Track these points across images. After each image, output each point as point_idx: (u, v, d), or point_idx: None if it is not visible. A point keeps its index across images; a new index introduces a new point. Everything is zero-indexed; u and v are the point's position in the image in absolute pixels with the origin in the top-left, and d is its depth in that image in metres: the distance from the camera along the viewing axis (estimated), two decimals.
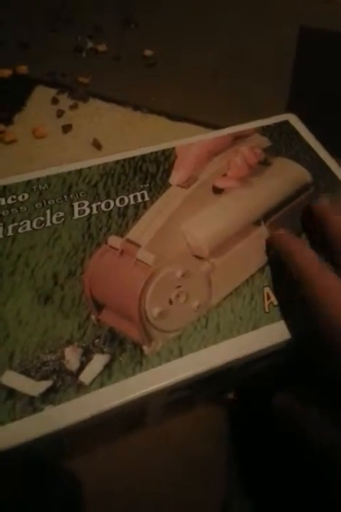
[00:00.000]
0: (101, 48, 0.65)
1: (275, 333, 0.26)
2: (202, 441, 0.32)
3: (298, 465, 0.28)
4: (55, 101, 0.57)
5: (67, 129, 0.52)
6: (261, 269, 0.28)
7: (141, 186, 0.32)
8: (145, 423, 0.29)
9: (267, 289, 0.27)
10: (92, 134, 0.51)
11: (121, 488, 0.29)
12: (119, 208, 0.31)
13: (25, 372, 0.23)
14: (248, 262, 0.28)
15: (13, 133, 0.50)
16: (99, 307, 0.26)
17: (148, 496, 0.29)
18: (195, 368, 0.24)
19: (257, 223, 0.30)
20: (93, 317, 0.25)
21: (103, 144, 0.50)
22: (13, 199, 0.31)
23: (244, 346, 0.25)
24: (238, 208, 0.31)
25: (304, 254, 0.26)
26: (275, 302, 0.27)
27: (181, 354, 0.24)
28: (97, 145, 0.49)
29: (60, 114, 0.55)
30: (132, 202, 0.31)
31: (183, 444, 0.31)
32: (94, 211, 0.30)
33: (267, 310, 0.26)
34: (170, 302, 0.26)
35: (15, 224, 0.29)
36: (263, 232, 0.30)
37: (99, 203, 0.31)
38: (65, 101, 0.57)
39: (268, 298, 0.27)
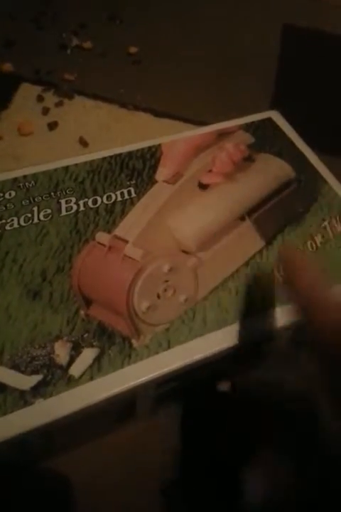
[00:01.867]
0: (87, 45, 0.65)
1: (260, 324, 0.26)
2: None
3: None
4: (40, 98, 0.56)
5: (52, 126, 0.52)
6: (246, 263, 0.29)
7: (128, 183, 0.33)
8: (135, 415, 0.30)
9: (254, 282, 0.28)
10: (78, 131, 0.51)
11: (111, 483, 0.30)
12: (106, 204, 0.31)
13: (16, 367, 0.23)
14: (233, 256, 0.29)
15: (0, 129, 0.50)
16: (88, 302, 0.26)
17: (139, 491, 0.30)
18: (183, 359, 0.25)
19: (242, 218, 0.31)
20: (82, 312, 0.26)
21: (89, 141, 0.50)
22: (0, 197, 0.31)
23: (230, 338, 0.26)
24: (223, 204, 0.32)
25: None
26: (262, 295, 0.28)
27: (169, 346, 0.25)
28: (83, 142, 0.50)
29: (45, 111, 0.54)
30: (119, 198, 0.31)
31: (173, 435, 0.31)
32: (82, 208, 0.30)
33: (250, 301, 0.27)
34: (158, 296, 0.27)
35: (3, 221, 0.29)
36: (247, 226, 0.31)
37: (86, 200, 0.31)
38: (50, 98, 0.56)
39: (256, 291, 0.28)
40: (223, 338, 0.26)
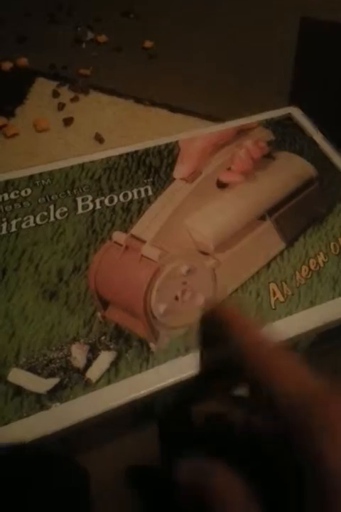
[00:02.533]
0: (102, 39, 0.65)
1: (281, 329, 0.26)
2: None
3: None
4: (55, 94, 0.56)
5: (68, 122, 0.52)
6: (267, 265, 0.28)
7: (145, 180, 0.32)
8: (153, 415, 0.29)
9: (273, 285, 0.27)
10: (94, 127, 0.50)
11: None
12: (123, 202, 0.30)
13: (32, 370, 0.23)
14: (253, 258, 0.28)
15: (15, 126, 0.49)
16: (105, 304, 0.26)
17: None
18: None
19: (262, 218, 0.30)
20: (99, 314, 0.25)
21: (105, 137, 0.49)
22: (15, 194, 0.31)
23: None
24: (243, 203, 0.31)
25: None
26: (282, 299, 0.27)
27: (187, 351, 0.24)
28: (99, 138, 0.49)
29: (61, 107, 0.54)
30: (136, 196, 0.31)
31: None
32: (98, 206, 0.30)
33: (273, 306, 0.26)
34: (176, 298, 0.26)
35: (19, 219, 0.29)
36: (268, 227, 0.30)
37: (102, 198, 0.30)
38: (65, 93, 0.56)
39: (274, 294, 0.27)
40: None
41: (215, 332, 0.22)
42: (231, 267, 0.28)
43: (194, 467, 0.20)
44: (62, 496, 0.28)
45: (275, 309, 0.26)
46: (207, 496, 0.18)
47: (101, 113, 0.53)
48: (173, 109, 0.53)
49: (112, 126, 0.51)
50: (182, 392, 0.26)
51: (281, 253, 0.29)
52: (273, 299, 0.27)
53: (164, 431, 0.29)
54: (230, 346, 0.21)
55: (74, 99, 0.55)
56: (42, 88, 0.56)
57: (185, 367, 0.24)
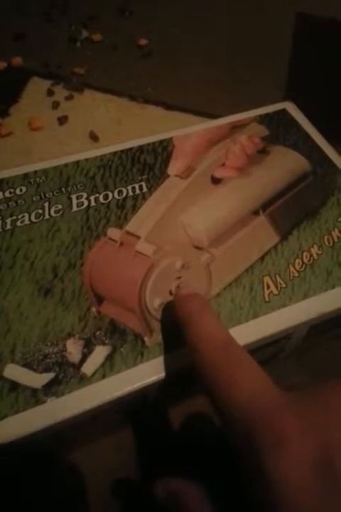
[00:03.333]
0: (96, 37, 0.65)
1: (275, 322, 0.26)
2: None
3: None
4: (50, 92, 0.56)
5: (63, 120, 0.52)
6: (261, 259, 0.28)
7: (139, 177, 0.32)
8: (145, 406, 0.29)
9: (267, 279, 0.27)
10: (89, 125, 0.51)
11: (125, 478, 0.30)
12: (118, 199, 0.30)
13: (27, 365, 0.23)
14: (247, 252, 0.28)
15: (9, 125, 0.49)
16: (100, 299, 0.26)
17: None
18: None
19: (256, 213, 0.30)
20: (94, 309, 0.25)
21: (99, 136, 0.49)
22: (10, 192, 0.31)
23: (244, 335, 0.25)
24: (237, 198, 0.31)
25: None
26: (276, 291, 0.27)
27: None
28: (94, 136, 0.49)
29: (55, 105, 0.54)
30: (130, 193, 0.31)
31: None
32: (93, 203, 0.30)
33: (267, 299, 0.27)
34: (171, 293, 0.26)
35: (14, 217, 0.29)
36: (262, 221, 0.30)
37: (97, 195, 0.31)
38: (60, 92, 0.56)
39: (268, 287, 0.27)
40: (236, 336, 0.25)
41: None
42: (225, 261, 0.28)
43: (169, 485, 0.20)
44: (59, 497, 0.28)
45: (269, 302, 0.26)
46: None
47: (95, 111, 0.53)
48: (168, 107, 0.54)
49: (107, 124, 0.51)
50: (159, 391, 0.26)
51: (275, 247, 0.29)
52: (267, 292, 0.27)
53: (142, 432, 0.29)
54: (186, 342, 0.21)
55: (68, 98, 0.55)
56: (36, 87, 0.56)
57: (180, 360, 0.24)
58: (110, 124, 0.52)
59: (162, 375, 0.23)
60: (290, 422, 0.15)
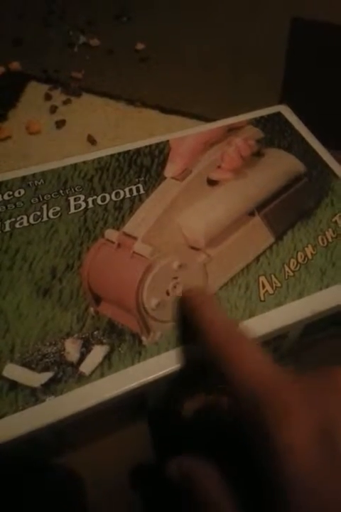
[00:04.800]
0: (94, 42, 0.65)
1: (270, 321, 0.26)
2: None
3: None
4: (48, 97, 0.56)
5: (60, 124, 0.52)
6: (257, 259, 0.29)
7: (136, 180, 0.32)
8: (144, 409, 0.30)
9: (262, 278, 0.28)
10: (86, 129, 0.51)
11: (121, 479, 0.30)
12: (115, 201, 0.31)
13: (27, 365, 0.23)
14: (243, 252, 0.29)
15: (8, 129, 0.50)
16: (98, 299, 0.26)
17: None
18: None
19: (251, 214, 0.31)
20: (92, 309, 0.26)
21: (97, 139, 0.50)
22: (9, 195, 0.31)
23: None
24: (232, 199, 0.31)
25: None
26: (271, 291, 0.27)
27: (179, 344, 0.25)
28: (92, 140, 0.50)
29: (53, 109, 0.54)
30: (127, 195, 0.31)
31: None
32: (90, 205, 0.31)
33: (262, 298, 0.27)
34: (168, 293, 0.27)
35: (12, 219, 0.29)
36: (257, 222, 0.31)
37: (94, 197, 0.31)
38: (58, 96, 0.57)
39: (263, 287, 0.28)
40: None
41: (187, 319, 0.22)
42: (221, 261, 0.28)
43: (183, 464, 0.21)
44: (56, 501, 0.28)
45: (264, 301, 0.27)
46: (195, 492, 0.19)
47: (93, 115, 0.54)
48: (165, 110, 0.54)
49: (104, 127, 0.52)
50: (172, 387, 0.26)
51: (270, 247, 0.29)
52: (262, 292, 0.27)
53: (155, 427, 0.30)
54: (195, 332, 0.22)
55: (66, 102, 0.55)
56: (34, 91, 0.57)
57: (177, 359, 0.24)
58: (107, 127, 0.52)
59: (159, 374, 0.24)
60: (294, 396, 0.16)
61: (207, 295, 0.25)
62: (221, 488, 0.19)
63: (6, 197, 0.31)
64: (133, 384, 0.23)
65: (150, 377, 0.24)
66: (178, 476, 0.21)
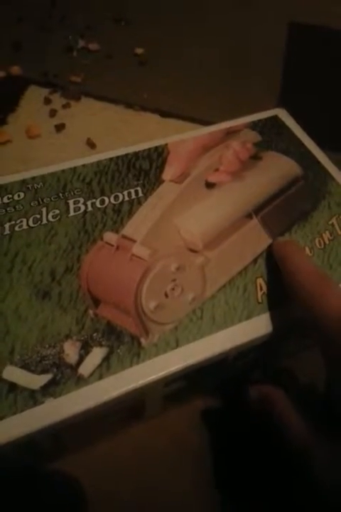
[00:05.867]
0: (93, 46, 0.66)
1: (268, 322, 0.26)
2: (199, 432, 0.32)
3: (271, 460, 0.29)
4: (47, 101, 0.57)
5: (60, 128, 0.52)
6: (254, 261, 0.29)
7: (135, 183, 0.33)
8: (143, 415, 0.30)
9: (260, 280, 0.28)
10: (86, 132, 0.51)
11: (120, 483, 0.30)
12: (114, 204, 0.31)
13: (26, 367, 0.24)
14: (241, 254, 0.29)
15: (8, 133, 0.50)
16: (97, 302, 0.26)
17: (147, 488, 0.30)
18: (191, 358, 0.25)
19: (249, 216, 0.31)
20: (91, 311, 0.26)
21: (96, 143, 0.50)
22: (8, 198, 0.31)
23: (238, 336, 0.26)
24: (230, 202, 0.32)
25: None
26: (268, 292, 0.28)
27: (177, 345, 0.25)
28: (91, 144, 0.50)
29: (52, 113, 0.55)
30: (126, 198, 0.32)
31: (180, 433, 0.32)
32: (89, 208, 0.31)
33: (260, 300, 0.27)
34: (166, 295, 0.27)
35: (12, 222, 0.30)
36: (254, 224, 0.31)
37: (93, 200, 0.31)
38: (57, 100, 0.57)
39: (261, 288, 0.28)
40: (230, 337, 0.26)
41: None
42: (219, 263, 0.29)
43: (262, 389, 0.27)
44: (55, 506, 0.29)
45: (261, 303, 0.27)
46: (274, 414, 0.25)
47: (92, 119, 0.54)
48: (164, 114, 0.54)
49: (103, 131, 0.52)
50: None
51: (268, 249, 0.30)
52: (260, 293, 0.28)
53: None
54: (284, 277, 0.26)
55: (65, 106, 0.56)
56: (34, 95, 0.57)
57: (175, 361, 0.24)
58: (107, 131, 0.52)
59: (158, 375, 0.24)
60: None
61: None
62: (290, 406, 0.24)
63: (5, 200, 0.31)
64: (132, 386, 0.23)
65: (149, 379, 0.24)
66: (257, 398, 0.27)
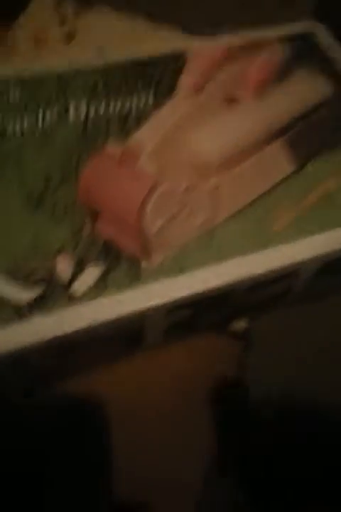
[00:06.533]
0: None
1: (283, 254, 0.24)
2: (201, 374, 0.31)
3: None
4: (58, 7, 0.52)
5: (69, 36, 0.48)
6: (273, 188, 0.26)
7: (146, 91, 0.29)
8: (143, 344, 0.28)
9: (278, 208, 0.25)
10: (96, 41, 0.47)
11: (120, 411, 0.29)
12: (120, 113, 0.28)
13: (13, 279, 0.21)
14: (259, 179, 0.26)
15: (14, 38, 0.46)
16: (95, 217, 0.24)
17: (146, 421, 0.29)
18: (196, 286, 0.22)
19: (271, 138, 0.28)
20: (87, 227, 0.23)
21: (107, 52, 0.46)
22: (3, 96, 0.28)
23: (249, 267, 0.23)
24: (251, 121, 0.28)
25: None
26: (287, 223, 0.25)
27: (182, 271, 0.23)
28: (101, 52, 0.46)
29: (62, 21, 0.50)
30: (134, 107, 0.28)
31: (183, 374, 0.30)
32: (92, 114, 0.27)
33: (277, 230, 0.24)
34: (172, 217, 0.24)
35: (5, 122, 0.26)
36: (276, 148, 0.27)
37: (97, 107, 0.28)
38: (68, 7, 0.52)
39: (279, 218, 0.25)
40: (242, 267, 0.23)
41: None
42: (234, 187, 0.26)
43: None
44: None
45: (278, 233, 0.24)
46: None
47: (105, 29, 0.49)
48: (184, 26, 0.49)
49: (116, 43, 0.47)
50: None
51: (290, 176, 0.26)
52: (277, 223, 0.25)
53: None
54: None
55: (77, 13, 0.51)
56: (44, 1, 0.52)
57: (178, 287, 0.22)
58: (120, 43, 0.48)
59: (158, 301, 0.22)
60: None
61: None
62: None
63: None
64: (128, 310, 0.21)
65: (148, 305, 0.22)
66: None
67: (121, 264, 0.22)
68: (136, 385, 0.29)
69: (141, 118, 0.28)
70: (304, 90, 0.31)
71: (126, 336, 0.25)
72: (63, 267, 0.22)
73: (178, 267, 0.23)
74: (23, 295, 0.21)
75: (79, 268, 0.22)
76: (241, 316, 0.31)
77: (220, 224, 0.24)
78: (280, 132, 0.28)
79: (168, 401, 0.29)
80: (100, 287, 0.22)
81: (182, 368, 0.30)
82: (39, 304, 0.21)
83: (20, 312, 0.20)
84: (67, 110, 0.27)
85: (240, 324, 0.31)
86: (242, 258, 0.23)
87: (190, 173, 0.25)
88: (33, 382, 0.27)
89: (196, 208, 0.25)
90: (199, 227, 0.24)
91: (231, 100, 0.29)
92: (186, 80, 0.29)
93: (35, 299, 0.21)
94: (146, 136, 0.26)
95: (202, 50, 0.31)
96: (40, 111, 0.27)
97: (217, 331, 0.31)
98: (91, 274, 0.22)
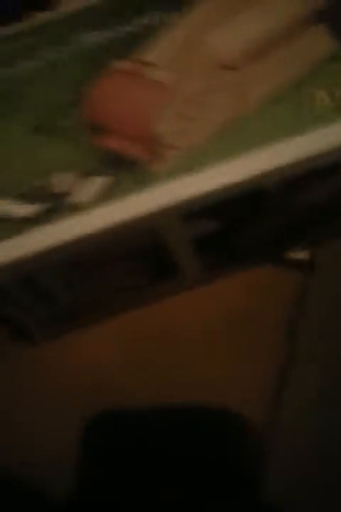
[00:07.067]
0: None
1: (326, 137, 0.19)
2: (262, 307, 0.26)
3: None
4: None
5: None
6: (313, 70, 0.21)
7: (155, 10, 0.26)
8: (177, 276, 0.25)
9: (319, 91, 0.21)
10: None
11: (156, 351, 0.26)
12: (130, 31, 0.25)
13: (19, 196, 0.20)
14: (295, 63, 0.22)
15: None
16: (101, 131, 0.21)
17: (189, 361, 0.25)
18: (211, 182, 0.19)
19: (307, 21, 0.23)
20: (94, 142, 0.21)
21: None
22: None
23: (287, 153, 0.19)
24: (275, 11, 0.24)
25: None
26: (330, 105, 0.20)
27: (195, 168, 0.19)
28: None
29: None
30: (148, 24, 0.25)
31: (236, 308, 0.26)
32: (101, 38, 0.25)
33: (317, 114, 0.20)
34: (190, 119, 0.21)
35: (15, 59, 0.25)
36: (314, 29, 0.23)
37: (108, 31, 0.25)
38: None
39: (321, 100, 0.20)
40: (278, 154, 0.19)
41: None
42: (263, 78, 0.22)
43: None
44: None
45: (319, 116, 0.20)
46: None
47: None
48: None
49: None
50: None
51: (333, 56, 0.22)
52: (318, 105, 0.20)
53: None
54: None
55: None
56: None
57: (191, 185, 0.19)
58: None
59: (168, 200, 0.19)
60: None
61: None
62: None
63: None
64: (138, 211, 0.18)
65: (159, 205, 0.19)
66: None
67: (130, 171, 0.20)
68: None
69: (150, 37, 0.25)
70: None
71: (152, 257, 0.23)
72: (67, 182, 0.20)
73: (190, 165, 0.20)
74: (31, 209, 0.19)
75: (85, 179, 0.20)
76: (291, 240, 0.26)
77: (254, 112, 0.21)
78: (319, 13, 0.23)
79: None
80: (108, 194, 0.19)
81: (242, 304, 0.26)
82: (47, 215, 0.19)
83: (29, 224, 0.19)
84: (77, 38, 0.25)
85: (301, 255, 0.26)
86: (280, 145, 0.19)
87: (210, 74, 0.22)
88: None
89: (218, 107, 0.21)
90: (222, 124, 0.21)
91: None
92: None
93: (43, 212, 0.19)
94: (161, 47, 0.23)
95: None
96: (49, 46, 0.25)
97: (273, 263, 0.26)
98: (97, 183, 0.20)
